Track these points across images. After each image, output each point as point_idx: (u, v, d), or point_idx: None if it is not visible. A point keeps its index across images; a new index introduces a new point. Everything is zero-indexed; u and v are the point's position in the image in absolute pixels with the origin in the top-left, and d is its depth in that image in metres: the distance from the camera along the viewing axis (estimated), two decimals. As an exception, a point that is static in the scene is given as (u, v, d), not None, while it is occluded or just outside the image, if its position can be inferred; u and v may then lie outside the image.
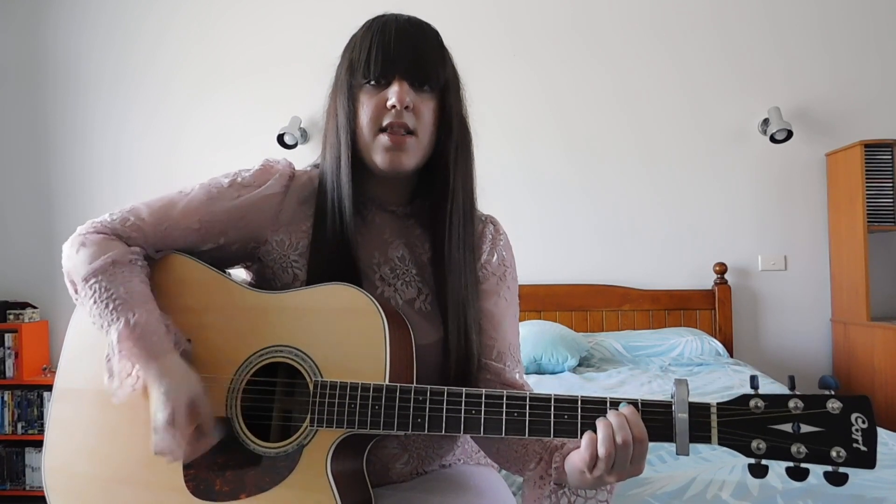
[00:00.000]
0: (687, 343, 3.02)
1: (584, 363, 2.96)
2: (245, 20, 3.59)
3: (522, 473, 1.00)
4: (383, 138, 0.97)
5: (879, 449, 0.76)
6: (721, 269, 3.31)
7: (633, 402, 0.83)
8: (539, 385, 2.42)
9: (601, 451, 0.80)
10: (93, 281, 0.93)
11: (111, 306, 0.91)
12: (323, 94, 1.06)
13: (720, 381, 2.52)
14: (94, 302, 0.93)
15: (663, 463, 1.60)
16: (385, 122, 0.97)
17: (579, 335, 3.06)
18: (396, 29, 0.98)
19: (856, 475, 0.75)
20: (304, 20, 3.53)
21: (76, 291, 0.97)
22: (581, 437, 0.82)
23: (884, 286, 3.26)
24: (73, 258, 0.96)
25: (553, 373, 2.80)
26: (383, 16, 1.01)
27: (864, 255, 3.03)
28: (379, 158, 0.98)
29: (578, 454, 0.84)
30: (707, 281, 3.38)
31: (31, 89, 3.62)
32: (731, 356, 3.18)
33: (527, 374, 2.58)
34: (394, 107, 0.95)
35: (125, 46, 3.61)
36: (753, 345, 3.37)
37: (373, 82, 0.97)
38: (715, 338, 3.14)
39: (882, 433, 1.77)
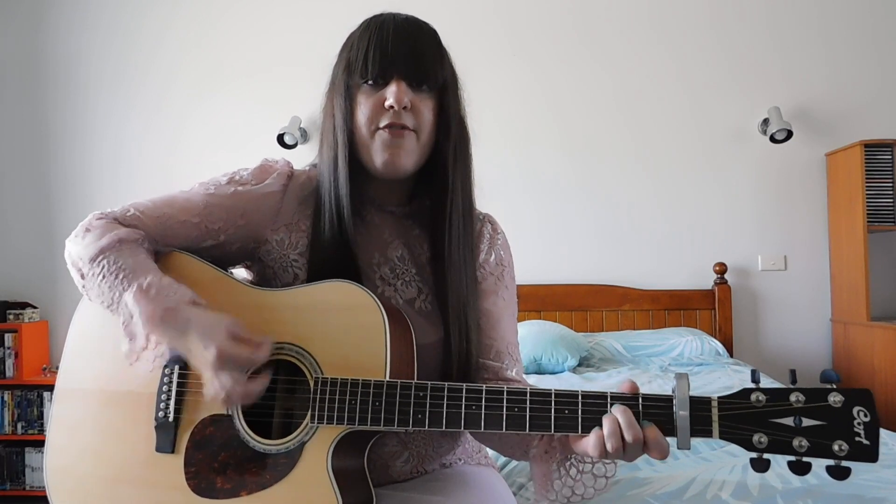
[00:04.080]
0: (687, 343, 3.02)
1: (584, 363, 2.95)
2: (245, 20, 3.59)
3: (527, 454, 1.00)
4: (382, 134, 0.96)
5: (880, 449, 0.75)
6: (721, 269, 3.31)
7: (635, 396, 0.83)
8: (539, 385, 2.41)
9: (609, 445, 0.80)
10: (101, 258, 0.93)
11: (121, 276, 0.91)
12: (322, 94, 1.06)
13: (720, 380, 2.52)
14: (104, 277, 0.92)
15: (663, 463, 1.60)
16: (383, 123, 0.96)
17: (579, 335, 3.06)
18: (394, 28, 0.98)
19: (856, 475, 0.75)
20: (303, 20, 3.53)
21: (83, 277, 0.96)
22: (581, 431, 0.83)
23: (884, 286, 3.26)
24: (79, 243, 0.96)
25: (553, 373, 2.80)
26: (381, 15, 1.01)
27: (864, 255, 3.03)
28: (378, 158, 0.98)
29: (586, 446, 0.84)
30: (707, 281, 3.38)
31: (31, 89, 3.62)
32: (731, 356, 3.18)
33: (527, 373, 2.58)
34: (392, 107, 0.95)
35: (125, 46, 3.62)
36: (753, 345, 3.38)
37: (370, 82, 0.97)
38: (715, 338, 3.14)
39: (882, 433, 1.77)
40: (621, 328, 3.35)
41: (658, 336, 3.09)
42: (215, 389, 0.86)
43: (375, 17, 1.01)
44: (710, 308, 3.34)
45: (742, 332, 3.37)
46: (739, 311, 3.37)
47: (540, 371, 2.81)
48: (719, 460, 1.59)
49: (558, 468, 0.95)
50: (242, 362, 0.86)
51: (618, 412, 0.81)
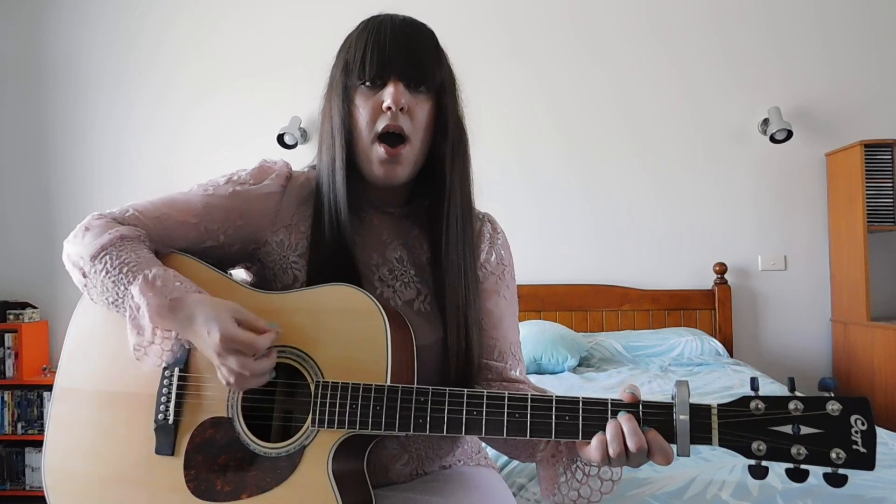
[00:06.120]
0: (687, 343, 3.02)
1: (584, 363, 2.96)
2: (245, 21, 3.59)
3: (534, 456, 1.00)
4: (379, 150, 0.96)
5: (879, 449, 0.76)
6: (721, 269, 3.31)
7: (636, 403, 0.83)
8: (539, 385, 2.41)
9: (611, 450, 0.81)
10: (103, 254, 0.93)
11: (125, 270, 0.91)
12: (321, 96, 1.06)
13: (720, 381, 2.52)
14: (107, 273, 0.92)
15: (663, 463, 1.60)
16: (381, 126, 0.96)
17: (579, 335, 3.06)
18: (392, 29, 0.98)
19: (856, 475, 0.76)
20: (303, 21, 3.53)
21: (85, 275, 0.95)
22: (582, 438, 0.83)
23: (884, 286, 3.26)
24: (80, 243, 0.96)
25: (553, 373, 2.80)
26: (379, 16, 1.01)
27: (864, 255, 3.03)
28: (374, 171, 0.98)
29: (590, 451, 0.85)
30: (707, 281, 3.38)
31: (31, 89, 3.62)
32: (731, 356, 3.18)
33: (527, 373, 2.58)
34: (389, 108, 0.95)
35: (125, 46, 3.62)
36: (753, 345, 3.38)
37: (368, 83, 0.97)
38: (715, 338, 3.14)
39: (882, 433, 1.77)
40: (621, 328, 3.35)
41: (658, 336, 3.09)
42: (224, 375, 0.86)
43: (373, 17, 1.01)
44: (710, 308, 3.34)
45: (742, 332, 3.37)
46: (739, 311, 3.37)
47: (540, 371, 2.81)
48: (719, 460, 1.59)
49: (564, 471, 0.95)
50: (246, 345, 0.85)
51: (623, 419, 0.82)
